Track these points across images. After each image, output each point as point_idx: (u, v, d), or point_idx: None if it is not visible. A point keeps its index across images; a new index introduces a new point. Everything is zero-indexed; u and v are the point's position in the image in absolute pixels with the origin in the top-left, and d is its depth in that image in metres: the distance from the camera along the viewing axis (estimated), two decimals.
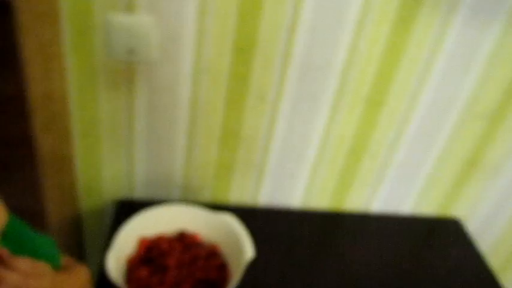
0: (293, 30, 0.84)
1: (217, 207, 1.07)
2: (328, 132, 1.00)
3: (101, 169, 1.01)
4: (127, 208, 1.02)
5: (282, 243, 1.02)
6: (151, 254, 0.84)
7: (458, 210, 1.17)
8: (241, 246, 0.83)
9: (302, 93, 0.93)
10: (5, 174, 1.79)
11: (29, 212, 1.26)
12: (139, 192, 1.06)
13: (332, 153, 1.03)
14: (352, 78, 0.92)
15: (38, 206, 1.02)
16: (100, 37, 0.82)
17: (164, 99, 0.91)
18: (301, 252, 1.00)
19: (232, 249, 0.85)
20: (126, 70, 0.87)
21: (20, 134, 1.17)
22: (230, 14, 0.82)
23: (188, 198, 1.08)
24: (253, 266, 0.93)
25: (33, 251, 0.54)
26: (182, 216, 0.90)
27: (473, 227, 1.21)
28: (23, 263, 0.49)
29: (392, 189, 1.11)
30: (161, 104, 0.92)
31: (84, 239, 1.12)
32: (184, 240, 0.89)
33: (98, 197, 1.05)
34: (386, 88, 0.94)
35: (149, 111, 0.93)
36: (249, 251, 0.82)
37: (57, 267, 0.59)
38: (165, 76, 0.88)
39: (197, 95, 0.91)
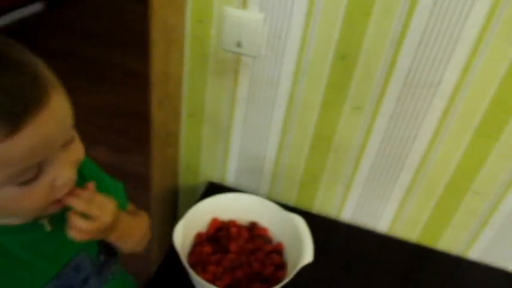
0: (400, 42, 0.81)
1: (299, 212, 1.07)
2: (428, 157, 0.93)
3: (200, 150, 1.10)
4: (216, 191, 1.09)
5: (360, 264, 0.98)
6: (219, 235, 0.89)
7: None
8: (302, 249, 0.82)
9: (402, 109, 0.88)
10: (126, 141, 2.07)
11: (138, 177, 1.43)
12: (230, 179, 1.12)
13: (430, 181, 0.96)
14: (462, 102, 0.84)
15: (147, 173, 1.15)
16: (215, 28, 0.91)
17: (263, 93, 0.96)
18: (376, 278, 0.95)
19: (294, 250, 0.86)
20: (233, 61, 0.94)
21: (141, 107, 1.34)
22: (336, 19, 0.82)
23: (273, 197, 1.10)
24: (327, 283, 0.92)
25: (105, 190, 0.63)
26: (256, 207, 0.94)
27: None
28: (91, 194, 0.57)
29: (498, 238, 0.98)
30: (260, 97, 0.97)
31: (178, 211, 1.23)
32: (253, 231, 0.92)
33: (194, 176, 1.15)
34: (502, 120, 0.84)
35: (248, 103, 0.98)
36: (309, 255, 0.82)
37: (123, 209, 0.67)
38: (267, 71, 0.93)
39: (295, 94, 0.94)
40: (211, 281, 0.77)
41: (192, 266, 0.79)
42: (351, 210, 1.06)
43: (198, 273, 0.76)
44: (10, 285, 0.54)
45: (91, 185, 0.58)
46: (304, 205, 1.09)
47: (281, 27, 0.87)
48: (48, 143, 0.45)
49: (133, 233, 0.69)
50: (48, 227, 0.58)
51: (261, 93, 0.96)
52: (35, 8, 3.28)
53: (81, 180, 0.58)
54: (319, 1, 0.81)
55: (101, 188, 0.62)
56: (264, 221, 0.94)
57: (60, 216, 0.57)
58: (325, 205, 1.07)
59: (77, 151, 0.53)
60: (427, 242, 1.04)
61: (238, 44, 0.90)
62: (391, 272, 0.97)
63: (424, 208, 1.00)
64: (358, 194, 1.03)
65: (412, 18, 0.78)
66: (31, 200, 0.48)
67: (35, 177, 0.47)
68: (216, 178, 1.14)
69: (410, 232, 1.04)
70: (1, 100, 0.41)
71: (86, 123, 1.09)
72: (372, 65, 0.85)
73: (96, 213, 0.56)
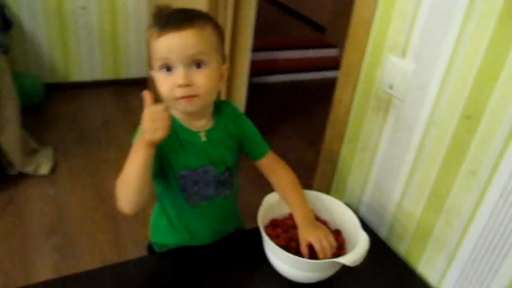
0: None
1: (408, 269, 1.09)
2: None
3: (349, 174, 1.29)
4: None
5: None
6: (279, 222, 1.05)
7: None
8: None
9: None
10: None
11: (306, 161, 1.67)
12: (363, 208, 1.25)
13: None
14: None
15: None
16: (380, 70, 1.11)
17: (401, 136, 1.08)
18: None
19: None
20: (385, 100, 1.11)
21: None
22: (468, 79, 0.90)
23: (389, 241, 1.16)
24: None
25: (247, 131, 1.01)
26: (330, 206, 1.07)
27: None
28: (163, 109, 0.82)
29: None
30: (398, 139, 1.09)
31: None
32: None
33: (340, 195, 1.33)
34: None
35: (389, 141, 1.12)
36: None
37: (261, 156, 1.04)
38: (407, 116, 1.06)
39: (424, 144, 1.02)
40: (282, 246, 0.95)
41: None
42: (453, 282, 1.01)
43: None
44: (171, 152, 0.90)
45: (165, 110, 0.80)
46: (412, 261, 1.10)
47: (425, 79, 1.00)
48: (173, 51, 0.81)
49: None
50: (203, 138, 0.95)
51: (400, 135, 1.09)
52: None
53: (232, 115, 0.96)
54: (458, 60, 0.91)
55: (248, 130, 0.99)
56: (328, 217, 1.06)
57: (212, 136, 0.94)
58: (429, 268, 1.06)
59: (200, 78, 0.85)
60: None
61: (391, 86, 1.08)
62: None
63: None
64: (460, 269, 0.98)
65: None
66: (165, 85, 0.84)
67: (168, 71, 0.84)
68: (352, 202, 1.29)
69: None
70: (163, 15, 0.83)
71: None
72: (493, 128, 0.87)
73: (156, 126, 0.78)
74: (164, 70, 0.85)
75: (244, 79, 2.43)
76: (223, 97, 2.38)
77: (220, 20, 2.14)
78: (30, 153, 2.23)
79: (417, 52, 1.02)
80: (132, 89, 2.96)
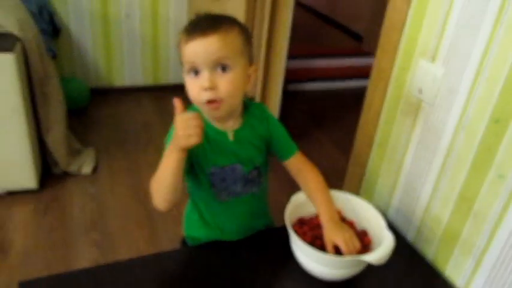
0: None
1: (435, 272, 1.10)
2: None
3: (378, 178, 1.30)
4: None
5: None
6: (306, 220, 1.08)
7: None
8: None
9: None
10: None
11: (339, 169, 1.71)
12: (391, 214, 1.26)
13: None
14: None
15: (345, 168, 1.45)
16: (409, 74, 1.14)
17: (430, 140, 1.10)
18: None
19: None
20: (414, 104, 1.13)
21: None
22: (498, 82, 0.91)
23: (416, 244, 1.17)
24: None
25: (275, 132, 1.05)
26: (357, 207, 1.09)
27: None
28: (194, 115, 0.87)
29: None
30: (427, 143, 1.11)
31: None
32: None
33: (369, 198, 1.35)
34: None
35: (418, 145, 1.14)
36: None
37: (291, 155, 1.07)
38: (436, 120, 1.07)
39: (452, 148, 1.04)
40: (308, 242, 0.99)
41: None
42: (480, 285, 1.01)
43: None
44: (198, 149, 0.94)
45: (198, 117, 0.85)
46: (439, 265, 1.11)
47: (454, 83, 1.01)
48: (199, 56, 0.87)
49: None
50: (231, 137, 1.00)
51: (428, 140, 1.10)
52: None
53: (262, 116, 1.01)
54: (487, 65, 0.93)
55: (277, 131, 1.03)
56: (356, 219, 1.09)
57: (239, 136, 0.99)
58: (456, 272, 1.06)
59: (224, 82, 0.89)
60: None
61: (420, 91, 1.10)
62: None
63: None
64: (486, 273, 0.98)
65: None
66: (192, 88, 0.90)
67: (196, 75, 0.89)
68: (381, 206, 1.30)
69: None
70: (192, 23, 0.89)
71: None
72: None
73: (189, 132, 0.83)
74: (192, 74, 0.90)
75: (279, 85, 2.47)
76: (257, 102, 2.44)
77: (256, 27, 2.20)
78: (74, 153, 2.36)
79: (447, 57, 1.03)
80: (171, 94, 2.96)
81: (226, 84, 0.90)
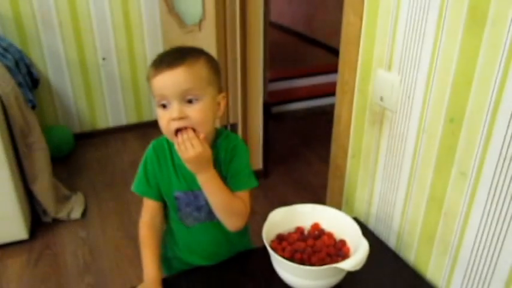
0: (495, 111, 0.88)
1: (417, 275, 1.14)
2: None
3: (356, 189, 1.35)
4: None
5: None
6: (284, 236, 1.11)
7: None
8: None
9: (502, 180, 0.89)
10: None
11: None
12: (371, 222, 1.31)
13: None
14: None
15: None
16: (371, 84, 1.20)
17: (396, 145, 1.15)
18: None
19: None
20: (378, 113, 1.19)
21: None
22: (446, 84, 0.97)
23: (399, 250, 1.21)
24: None
25: (233, 166, 1.06)
26: (334, 218, 1.13)
27: None
28: (191, 134, 0.95)
29: None
30: (394, 150, 1.16)
31: None
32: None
33: (350, 211, 1.39)
34: None
35: (387, 153, 1.19)
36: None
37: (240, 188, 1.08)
38: (400, 125, 1.13)
39: (417, 151, 1.09)
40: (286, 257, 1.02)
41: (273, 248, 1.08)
42: (457, 287, 1.05)
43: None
44: (165, 176, 1.05)
45: (190, 131, 0.96)
46: (420, 268, 1.15)
47: (410, 88, 1.08)
48: (167, 89, 0.92)
49: (218, 194, 1.01)
50: None
51: (395, 146, 1.16)
52: None
53: (222, 146, 1.05)
54: (436, 68, 0.99)
55: (229, 165, 1.05)
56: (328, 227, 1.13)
57: None
58: (436, 273, 1.10)
59: (193, 111, 0.94)
60: None
61: (381, 98, 1.16)
62: None
63: None
64: (463, 270, 1.02)
65: (504, 90, 0.85)
66: (162, 121, 0.96)
67: (165, 108, 0.94)
68: (361, 215, 1.34)
69: None
70: (159, 57, 0.94)
71: None
72: (472, 130, 0.93)
73: (186, 146, 0.95)
74: (162, 106, 0.96)
75: (259, 108, 2.54)
76: (239, 128, 2.51)
77: (230, 53, 2.29)
78: (62, 199, 2.40)
79: (400, 65, 1.10)
80: (156, 129, 3.07)
81: (196, 112, 0.95)
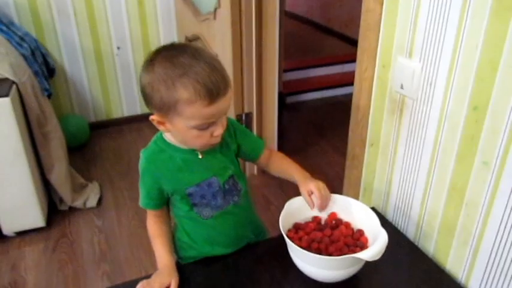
0: None
1: (437, 267, 1.12)
2: None
3: (374, 178, 1.33)
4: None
5: None
6: (301, 225, 1.11)
7: None
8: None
9: None
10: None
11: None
12: (389, 212, 1.29)
13: None
14: None
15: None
16: (391, 71, 1.18)
17: (416, 134, 1.13)
18: None
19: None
20: (398, 101, 1.17)
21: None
22: (471, 71, 0.95)
23: (418, 241, 1.19)
24: None
25: (249, 140, 1.13)
26: (352, 208, 1.12)
27: None
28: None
29: None
30: (414, 138, 1.14)
31: None
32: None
33: (368, 200, 1.38)
34: None
35: (406, 141, 1.17)
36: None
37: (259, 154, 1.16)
38: (420, 113, 1.11)
39: (438, 140, 1.07)
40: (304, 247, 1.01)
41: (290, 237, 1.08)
42: (479, 277, 1.03)
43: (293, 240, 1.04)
44: (171, 178, 1.04)
45: None
46: (440, 259, 1.13)
47: (432, 75, 1.05)
48: (220, 113, 0.93)
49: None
50: (200, 155, 1.05)
51: (416, 134, 1.14)
52: None
53: (231, 130, 1.07)
54: (460, 54, 0.97)
55: (245, 138, 1.09)
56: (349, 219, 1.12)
57: (207, 151, 1.03)
58: (456, 264, 1.08)
59: (226, 120, 0.99)
60: None
61: (402, 87, 1.14)
62: None
63: None
64: (485, 262, 1.00)
65: None
66: (201, 139, 0.96)
67: (207, 128, 0.94)
68: (380, 205, 1.33)
69: None
70: (209, 87, 0.89)
71: None
72: (498, 118, 0.91)
73: None
74: (201, 128, 0.93)
75: (274, 99, 2.53)
76: (254, 117, 2.50)
77: (245, 43, 2.27)
78: (78, 188, 2.42)
79: (422, 51, 1.07)
80: None
81: (225, 119, 0.99)
